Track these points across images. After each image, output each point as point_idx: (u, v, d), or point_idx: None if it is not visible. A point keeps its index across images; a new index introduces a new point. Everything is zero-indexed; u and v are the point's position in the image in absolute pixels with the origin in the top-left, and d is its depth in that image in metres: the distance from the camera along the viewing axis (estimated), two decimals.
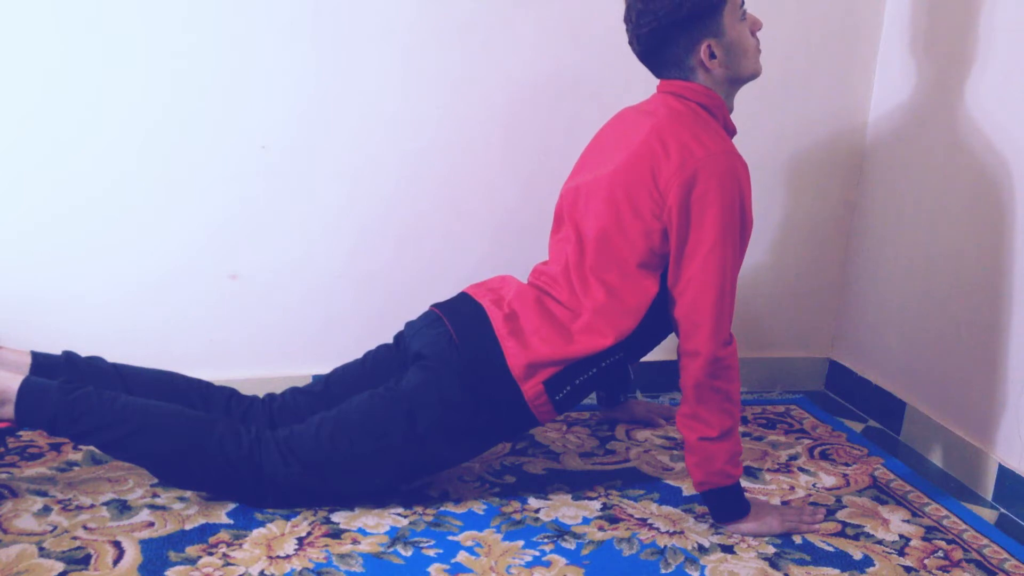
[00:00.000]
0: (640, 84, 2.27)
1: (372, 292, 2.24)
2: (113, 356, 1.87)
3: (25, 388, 1.66)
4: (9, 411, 1.65)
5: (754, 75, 1.84)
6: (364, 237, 2.20)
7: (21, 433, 1.95)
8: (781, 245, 2.48)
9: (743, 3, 1.79)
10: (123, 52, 1.97)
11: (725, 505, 1.80)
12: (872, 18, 2.37)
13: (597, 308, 1.77)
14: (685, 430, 1.77)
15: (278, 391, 2.02)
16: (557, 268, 1.86)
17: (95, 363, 1.84)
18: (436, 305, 1.91)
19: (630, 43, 1.84)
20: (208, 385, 1.90)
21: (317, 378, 2.21)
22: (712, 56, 1.77)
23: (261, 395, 1.94)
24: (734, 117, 2.11)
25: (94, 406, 1.67)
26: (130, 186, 2.05)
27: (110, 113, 2.00)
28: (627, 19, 1.81)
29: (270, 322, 2.19)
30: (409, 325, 1.92)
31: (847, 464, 2.13)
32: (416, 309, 2.26)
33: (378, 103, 2.13)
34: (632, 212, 1.76)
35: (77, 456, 1.90)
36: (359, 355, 2.23)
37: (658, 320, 1.81)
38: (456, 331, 1.79)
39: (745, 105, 2.36)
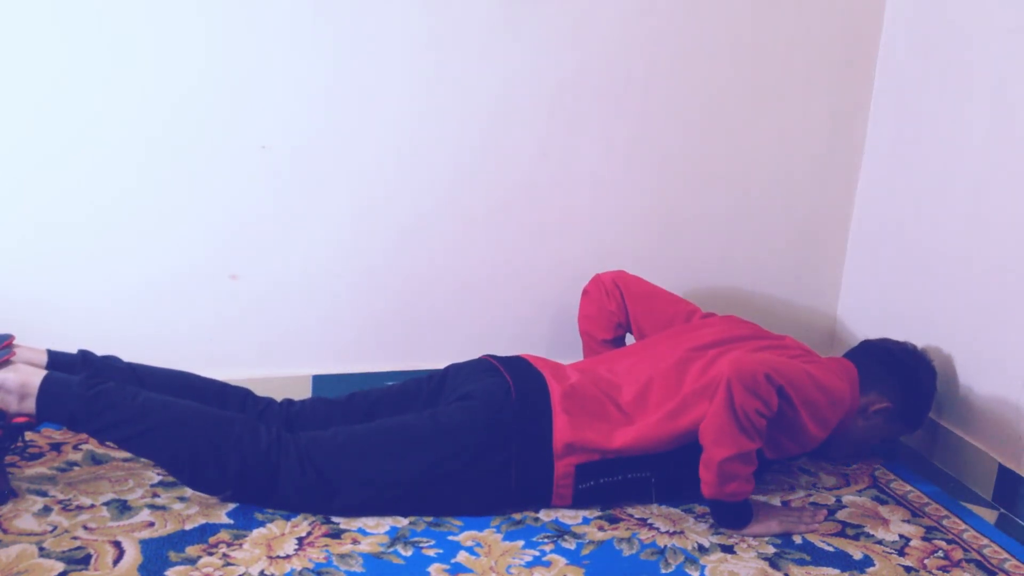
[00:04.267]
0: (640, 85, 2.28)
1: (374, 293, 2.24)
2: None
3: (47, 383, 1.66)
4: (30, 405, 1.66)
5: (844, 456, 2.13)
6: (365, 238, 2.20)
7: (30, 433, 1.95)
8: (781, 245, 2.48)
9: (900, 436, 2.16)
10: (129, 55, 1.97)
11: (731, 515, 1.80)
12: (872, 18, 2.37)
13: (651, 424, 1.81)
14: (709, 445, 1.75)
15: (279, 391, 2.02)
16: (635, 379, 1.89)
17: (111, 362, 1.84)
18: (492, 357, 1.94)
19: (874, 340, 2.15)
20: (224, 385, 1.91)
21: (318, 379, 2.22)
22: (877, 413, 2.01)
23: (272, 397, 1.94)
24: (732, 114, 2.17)
25: (115, 402, 1.68)
26: (135, 190, 2.04)
27: (116, 116, 1.99)
28: (899, 344, 2.11)
29: (272, 323, 2.19)
30: (457, 367, 1.95)
31: (847, 464, 2.13)
32: (416, 310, 2.27)
33: (378, 104, 2.13)
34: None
35: (77, 456, 1.90)
36: (359, 356, 2.24)
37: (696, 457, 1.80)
38: (515, 385, 1.82)
39: (746, 104, 2.37)
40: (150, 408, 1.69)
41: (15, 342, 1.76)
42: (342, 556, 1.64)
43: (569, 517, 1.82)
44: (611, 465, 1.81)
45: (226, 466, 1.70)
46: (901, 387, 2.01)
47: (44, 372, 1.69)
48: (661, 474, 1.85)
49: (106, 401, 1.67)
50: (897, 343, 2.10)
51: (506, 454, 1.77)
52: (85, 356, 1.83)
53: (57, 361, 1.79)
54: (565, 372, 1.91)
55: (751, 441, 1.73)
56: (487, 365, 1.91)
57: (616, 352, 2.07)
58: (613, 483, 1.82)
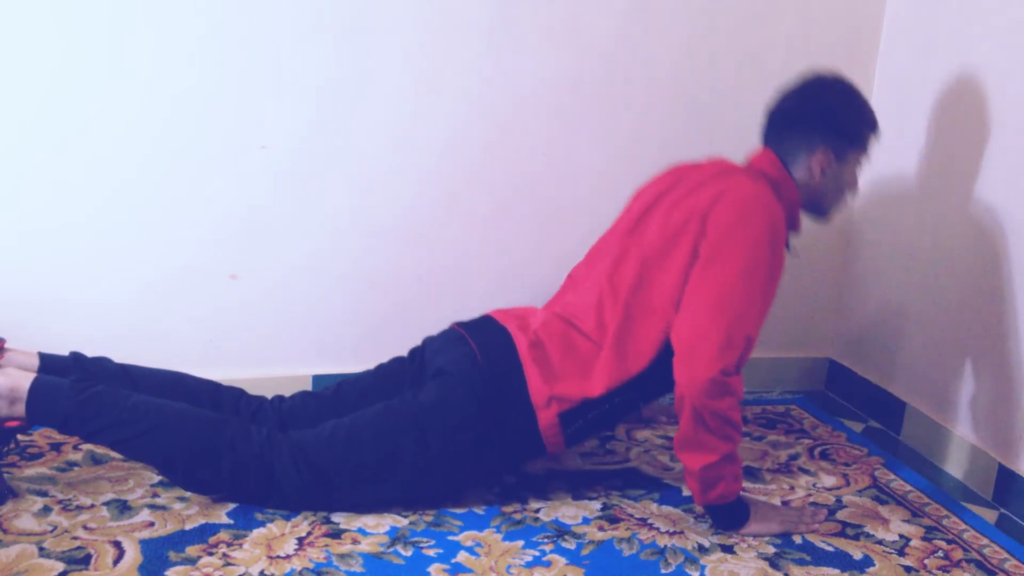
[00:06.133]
0: (640, 85, 2.28)
1: (373, 293, 2.24)
2: (116, 358, 1.86)
3: (36, 386, 1.66)
4: (20, 409, 1.65)
5: (826, 211, 1.94)
6: (365, 238, 2.20)
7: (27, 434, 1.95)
8: None
9: (866, 160, 1.93)
10: (128, 54, 1.97)
11: (727, 515, 1.80)
12: (872, 18, 2.37)
13: (618, 343, 1.78)
14: (686, 458, 1.74)
15: (280, 391, 2.02)
16: (589, 299, 1.85)
17: (102, 363, 1.83)
18: (460, 324, 1.92)
19: (769, 107, 1.93)
20: (217, 385, 1.90)
21: (317, 379, 2.22)
22: (822, 167, 1.86)
23: (264, 395, 1.94)
24: (732, 114, 2.16)
25: (106, 405, 1.67)
26: (134, 190, 2.04)
27: (115, 116, 2.00)
28: (782, 93, 1.92)
29: (272, 323, 2.19)
30: (429, 340, 1.93)
31: (847, 464, 2.13)
32: (416, 310, 2.27)
33: (379, 105, 2.13)
34: (675, 239, 1.79)
35: (77, 456, 1.90)
36: (359, 356, 2.24)
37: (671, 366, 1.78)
38: (480, 351, 1.80)
39: (746, 103, 2.36)
40: (142, 411, 1.69)
41: (7, 345, 1.76)
42: (342, 556, 1.64)
43: (569, 517, 1.82)
44: (593, 402, 1.79)
45: (219, 468, 1.70)
46: (820, 130, 1.85)
47: (33, 376, 1.68)
48: (644, 389, 1.83)
49: (97, 404, 1.67)
50: (785, 94, 1.92)
51: (489, 420, 1.76)
52: (77, 358, 1.82)
53: (49, 364, 1.78)
54: (529, 320, 1.87)
55: (730, 441, 1.72)
56: (455, 335, 1.88)
57: (581, 263, 2.01)
58: (601, 414, 1.80)
